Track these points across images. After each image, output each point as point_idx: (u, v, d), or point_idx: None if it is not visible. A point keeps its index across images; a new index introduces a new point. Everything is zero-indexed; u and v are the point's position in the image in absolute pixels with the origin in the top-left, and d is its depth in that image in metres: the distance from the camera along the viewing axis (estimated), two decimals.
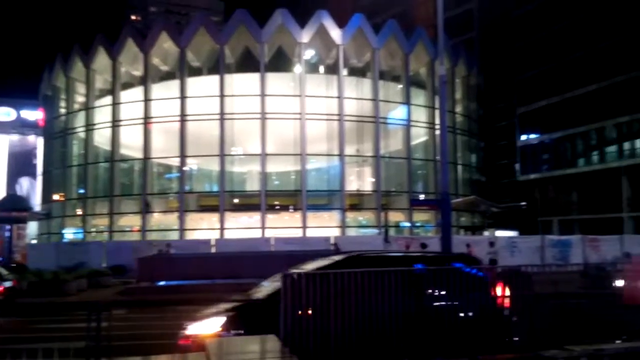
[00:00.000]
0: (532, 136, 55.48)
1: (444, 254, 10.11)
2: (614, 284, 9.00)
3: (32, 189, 56.54)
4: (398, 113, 40.77)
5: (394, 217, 39.63)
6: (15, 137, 58.32)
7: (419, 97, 42.11)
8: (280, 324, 7.00)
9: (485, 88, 53.16)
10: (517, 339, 8.02)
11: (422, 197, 40.81)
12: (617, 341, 7.89)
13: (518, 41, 56.27)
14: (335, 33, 38.25)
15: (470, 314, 7.87)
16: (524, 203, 50.78)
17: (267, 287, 8.90)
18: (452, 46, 44.84)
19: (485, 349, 7.68)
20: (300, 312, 7.12)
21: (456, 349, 7.61)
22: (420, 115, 41.45)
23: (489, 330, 7.81)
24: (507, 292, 8.20)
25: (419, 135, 41.92)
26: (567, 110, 50.53)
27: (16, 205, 33.54)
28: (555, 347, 7.27)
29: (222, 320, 7.81)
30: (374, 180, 39.66)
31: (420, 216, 41.59)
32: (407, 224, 40.02)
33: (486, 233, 44.18)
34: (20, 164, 58.03)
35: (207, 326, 7.84)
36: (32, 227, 45.89)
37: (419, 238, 30.06)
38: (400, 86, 41.13)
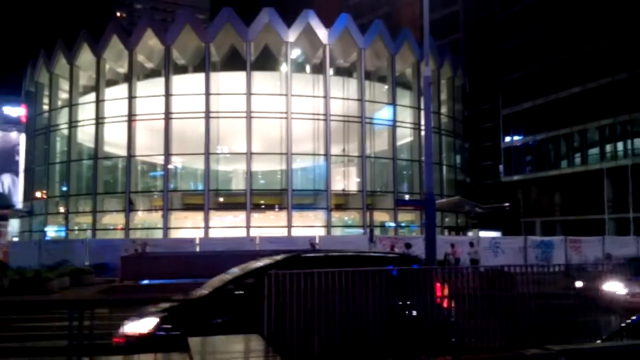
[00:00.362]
0: (516, 138, 56.01)
1: (385, 255, 9.89)
2: (574, 285, 9.07)
3: (14, 186, 55.83)
4: (384, 113, 40.90)
5: (379, 217, 39.78)
6: None
7: (405, 97, 42.30)
8: (264, 322, 7.01)
9: (471, 89, 53.54)
10: (453, 339, 7.98)
11: (407, 197, 40.99)
12: (598, 341, 8.00)
13: (503, 43, 56.76)
14: (322, 33, 38.26)
15: (422, 314, 7.90)
16: (507, 204, 51.29)
17: (211, 284, 8.89)
18: (437, 47, 45.09)
19: (433, 349, 7.67)
20: (283, 311, 7.13)
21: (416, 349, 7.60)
22: (405, 115, 41.64)
23: (436, 330, 7.81)
24: (446, 292, 8.20)
25: (405, 136, 42.10)
26: (551, 112, 51.10)
27: None
28: (536, 347, 7.36)
29: (155, 320, 7.75)
30: (359, 180, 39.77)
31: (405, 216, 41.79)
32: (392, 224, 40.20)
33: (470, 233, 44.53)
34: (2, 161, 57.26)
35: (141, 326, 7.78)
36: (14, 225, 45.31)
37: (403, 238, 30.20)
38: (386, 87, 41.28)
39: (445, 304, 8.12)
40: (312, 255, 9.59)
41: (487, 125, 61.88)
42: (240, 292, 8.14)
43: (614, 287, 8.81)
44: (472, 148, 60.80)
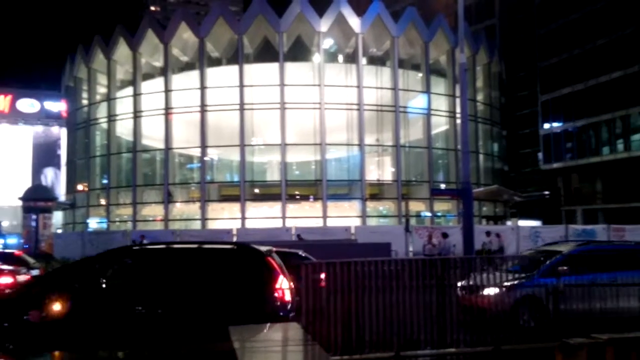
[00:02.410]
0: (555, 124, 54.66)
1: (220, 247, 9.19)
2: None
3: (57, 179, 57.41)
4: (418, 102, 40.46)
5: (415, 206, 39.46)
6: (39, 129, 59.18)
7: (439, 85, 41.72)
8: (302, 312, 7.05)
9: (508, 76, 52.42)
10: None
11: (443, 186, 40.53)
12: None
13: (540, 27, 55.32)
14: (354, 21, 38.00)
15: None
16: (547, 192, 50.14)
17: None
18: (472, 33, 44.26)
19: None
20: (320, 301, 7.15)
21: None
22: (440, 104, 41.10)
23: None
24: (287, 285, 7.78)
25: (440, 124, 41.58)
26: (592, 97, 49.65)
27: (41, 195, 34.15)
28: (581, 335, 7.19)
29: None
30: (394, 169, 39.51)
31: (441, 206, 41.34)
32: (428, 214, 39.83)
33: (509, 223, 43.78)
34: (45, 155, 58.88)
35: None
36: (58, 217, 46.66)
37: (440, 228, 29.92)
38: (420, 75, 40.78)
39: (285, 299, 7.73)
40: (142, 248, 9.37)
41: (525, 112, 60.54)
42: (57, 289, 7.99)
43: (466, 281, 8.39)
44: (510, 136, 59.63)
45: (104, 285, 8.32)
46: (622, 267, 8.64)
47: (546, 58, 54.48)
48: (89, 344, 7.27)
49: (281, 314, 7.65)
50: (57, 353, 6.54)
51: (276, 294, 7.71)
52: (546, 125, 55.61)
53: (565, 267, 10.74)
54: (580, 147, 52.00)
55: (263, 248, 8.54)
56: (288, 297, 7.81)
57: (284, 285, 7.74)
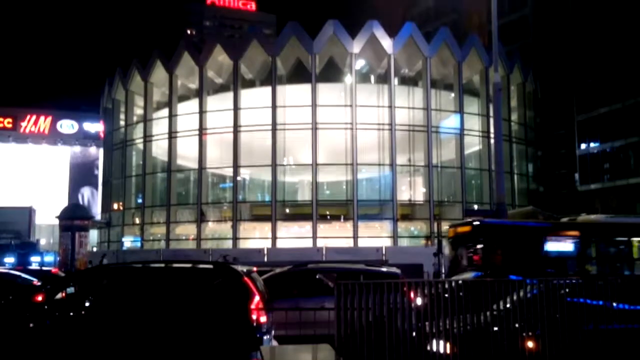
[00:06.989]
0: (593, 144, 53.50)
1: (195, 266, 9.26)
2: None
3: (93, 198, 58.83)
4: (451, 122, 40.18)
5: (447, 227, 38.88)
6: (77, 149, 60.87)
7: (473, 105, 41.38)
8: (335, 332, 6.97)
9: (542, 95, 51.64)
10: None
11: (476, 207, 39.91)
12: None
13: (576, 47, 54.56)
14: (387, 42, 38.13)
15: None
16: (584, 214, 48.80)
17: None
18: (506, 53, 43.90)
19: None
20: (353, 322, 7.07)
21: None
22: (473, 123, 40.71)
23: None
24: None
25: (473, 144, 41.15)
26: (630, 117, 48.52)
27: (78, 214, 34.94)
28: None
29: None
30: (425, 190, 39.17)
31: None
32: None
33: None
34: (82, 175, 60.47)
35: None
36: (93, 235, 47.61)
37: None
38: (453, 94, 40.56)
39: (261, 320, 7.94)
40: (119, 267, 9.42)
41: (561, 132, 59.39)
42: None
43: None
44: (546, 156, 58.54)
45: (77, 305, 8.49)
46: (328, 292, 8.07)
47: (583, 77, 53.59)
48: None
49: (257, 335, 7.78)
50: None
51: (253, 315, 7.83)
52: (583, 146, 54.47)
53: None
54: (619, 167, 50.72)
55: (243, 268, 8.57)
56: (264, 318, 7.92)
57: (259, 306, 7.86)
